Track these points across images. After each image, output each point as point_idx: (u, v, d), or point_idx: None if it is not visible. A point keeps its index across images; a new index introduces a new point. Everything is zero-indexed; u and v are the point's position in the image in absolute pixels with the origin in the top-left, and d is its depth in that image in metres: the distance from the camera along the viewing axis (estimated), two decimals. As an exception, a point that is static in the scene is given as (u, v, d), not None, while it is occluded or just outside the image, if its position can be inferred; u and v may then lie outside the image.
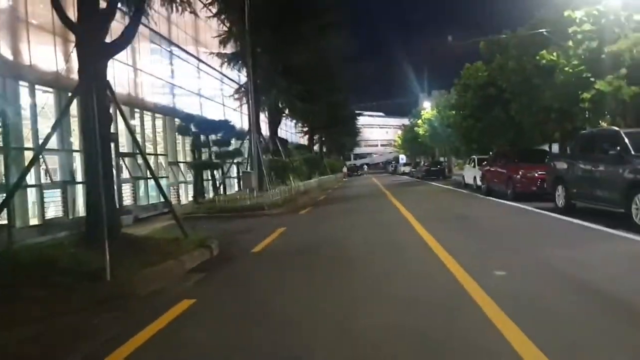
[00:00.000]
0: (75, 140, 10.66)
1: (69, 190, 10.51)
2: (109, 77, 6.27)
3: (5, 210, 5.71)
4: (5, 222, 6.18)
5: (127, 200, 13.15)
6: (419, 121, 40.25)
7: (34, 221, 9.38)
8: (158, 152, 16.15)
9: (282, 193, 14.70)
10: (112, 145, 11.02)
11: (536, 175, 11.29)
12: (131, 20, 6.40)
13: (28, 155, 8.80)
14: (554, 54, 12.19)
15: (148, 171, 7.74)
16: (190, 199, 16.61)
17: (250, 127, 15.54)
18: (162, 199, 9.39)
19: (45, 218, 9.60)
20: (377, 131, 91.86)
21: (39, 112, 10.00)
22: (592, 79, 11.10)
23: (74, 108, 8.64)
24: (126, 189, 13.11)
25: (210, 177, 17.60)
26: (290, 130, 38.73)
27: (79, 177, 10.61)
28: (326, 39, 20.13)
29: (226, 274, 5.29)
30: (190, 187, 17.24)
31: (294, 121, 34.34)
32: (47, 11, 9.14)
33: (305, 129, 36.16)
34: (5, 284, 4.07)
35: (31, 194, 9.50)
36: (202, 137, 16.78)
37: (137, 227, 9.80)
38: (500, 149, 16.62)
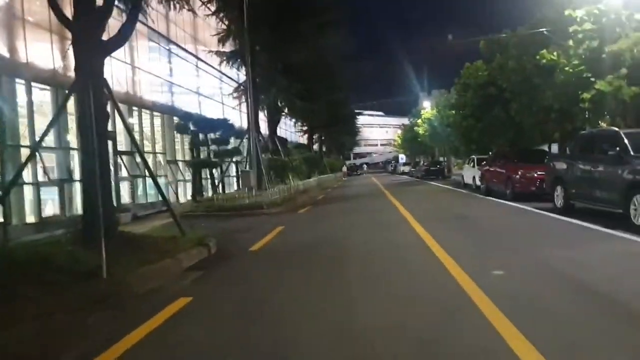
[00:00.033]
0: (73, 138, 10.64)
1: (66, 188, 10.49)
2: (107, 75, 6.24)
3: (1, 208, 5.68)
4: (1, 219, 6.15)
5: (126, 198, 13.12)
6: (419, 121, 40.25)
7: (30, 219, 9.35)
8: (157, 151, 16.11)
9: (281, 192, 14.68)
10: (110, 143, 11.01)
11: (535, 175, 11.27)
12: (128, 17, 6.36)
13: (25, 153, 8.77)
14: (555, 53, 12.16)
15: (146, 169, 7.71)
16: (189, 197, 16.59)
17: (249, 126, 15.52)
18: (160, 198, 9.35)
19: (42, 216, 9.57)
20: (377, 130, 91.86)
21: (36, 109, 9.96)
22: (592, 79, 11.07)
23: (72, 106, 8.61)
24: (124, 187, 13.08)
25: (209, 176, 17.57)
26: (289, 130, 38.69)
27: (77, 175, 10.58)
28: (325, 37, 20.11)
29: (224, 272, 5.27)
30: (189, 185, 17.21)
31: (294, 120, 34.30)
32: (43, 8, 9.10)
33: (305, 128, 36.14)
34: (0, 282, 4.03)
35: (28, 192, 9.47)
36: (201, 136, 16.75)
37: (135, 225, 9.76)
38: (499, 149, 16.60)
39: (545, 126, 15.43)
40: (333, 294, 3.94)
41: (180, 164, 17.60)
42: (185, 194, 17.42)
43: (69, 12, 5.92)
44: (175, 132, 16.86)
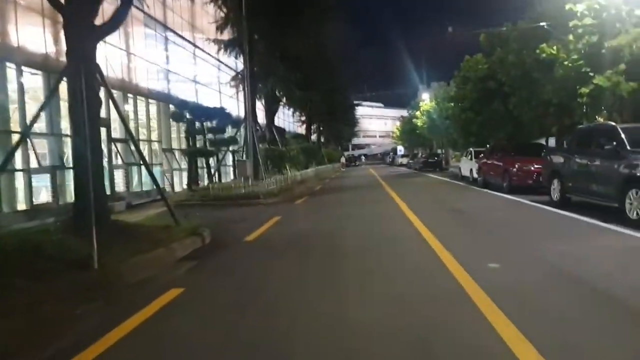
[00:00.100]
0: (66, 125, 10.48)
1: (59, 175, 10.37)
2: (101, 61, 6.10)
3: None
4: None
5: (120, 186, 13.01)
6: (418, 113, 40.13)
7: (21, 206, 9.25)
8: (152, 139, 15.96)
9: (278, 182, 14.62)
10: (104, 130, 10.86)
11: (532, 168, 11.28)
12: (122, 1, 6.20)
13: (16, 139, 8.64)
14: (554, 47, 12.07)
15: (140, 159, 7.61)
16: (185, 186, 16.49)
17: (246, 115, 15.38)
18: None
19: (34, 203, 9.47)
20: (376, 122, 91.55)
21: (28, 95, 9.80)
22: (591, 74, 11.04)
23: (65, 92, 8.46)
24: (119, 175, 12.96)
25: (204, 165, 17.46)
26: (287, 119, 38.48)
27: (70, 162, 10.46)
28: (324, 26, 19.87)
29: (218, 262, 5.23)
30: (185, 174, 17.10)
31: (292, 110, 34.08)
32: (36, -9, 8.89)
33: (303, 118, 35.94)
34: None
35: (19, 179, 9.36)
36: (197, 124, 16.60)
37: (129, 213, 9.69)
38: (497, 142, 16.57)
39: (544, 120, 15.40)
40: (329, 285, 3.91)
41: (175, 152, 17.46)
42: (180, 182, 17.32)
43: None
44: (171, 120, 16.69)
